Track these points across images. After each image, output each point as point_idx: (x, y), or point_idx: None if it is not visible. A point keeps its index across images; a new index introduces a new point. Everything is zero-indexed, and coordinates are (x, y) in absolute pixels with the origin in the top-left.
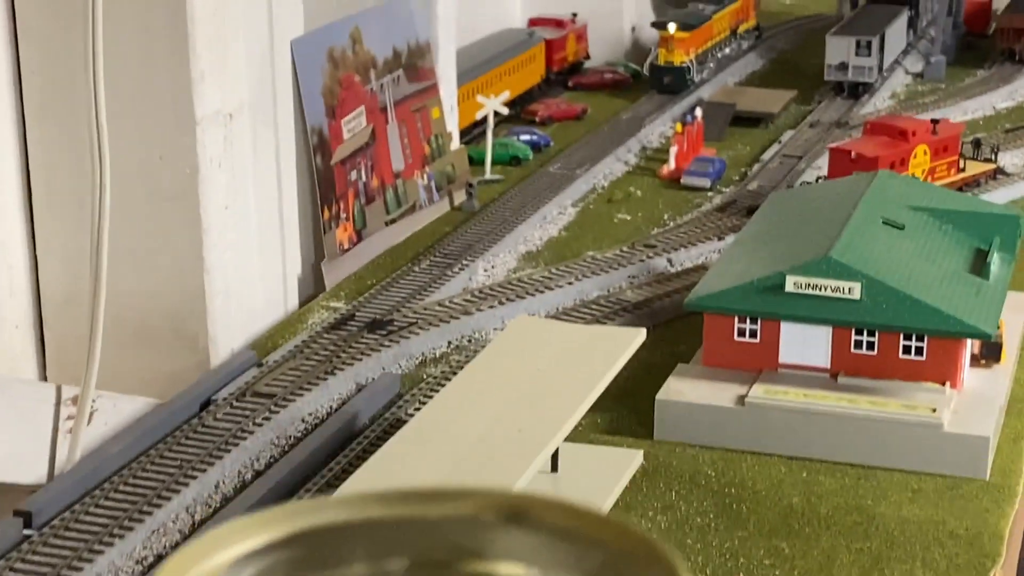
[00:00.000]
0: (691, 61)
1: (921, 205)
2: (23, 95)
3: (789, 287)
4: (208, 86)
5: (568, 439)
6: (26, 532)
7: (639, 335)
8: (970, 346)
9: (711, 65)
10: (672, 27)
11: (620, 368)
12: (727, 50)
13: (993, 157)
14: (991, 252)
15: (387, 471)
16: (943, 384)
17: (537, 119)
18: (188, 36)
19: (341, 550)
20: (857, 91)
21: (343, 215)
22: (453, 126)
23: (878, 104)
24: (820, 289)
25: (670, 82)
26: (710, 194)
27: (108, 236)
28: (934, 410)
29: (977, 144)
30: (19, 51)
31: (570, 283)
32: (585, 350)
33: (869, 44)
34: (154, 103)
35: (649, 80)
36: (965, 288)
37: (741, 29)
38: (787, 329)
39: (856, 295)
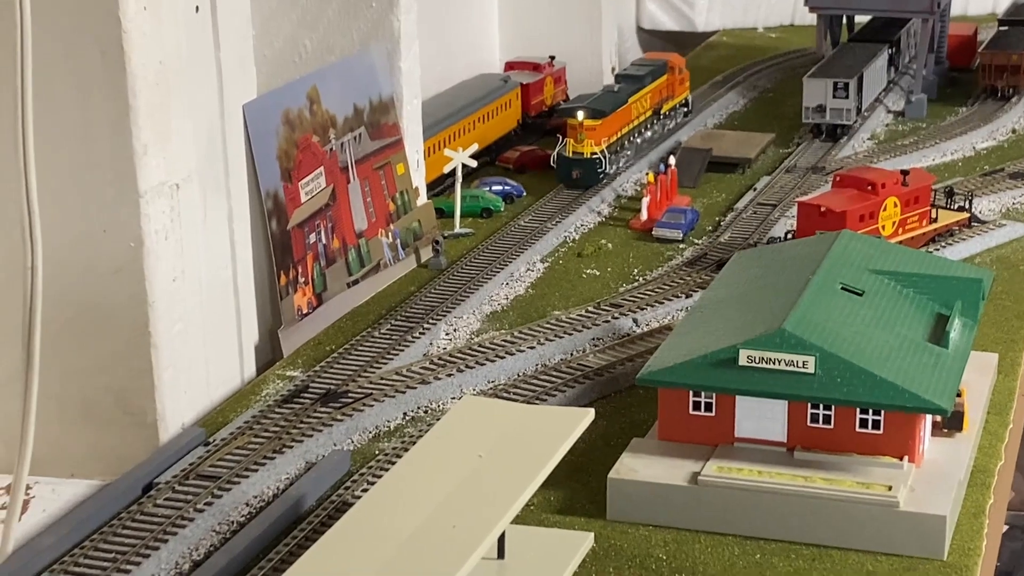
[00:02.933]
0: (602, 152)
1: (882, 268)
2: None
3: (742, 361)
4: (152, 158)
5: (518, 519)
6: None
7: (587, 416)
8: (930, 417)
9: (628, 152)
10: (580, 115)
11: (566, 451)
12: (648, 133)
13: (967, 205)
14: (951, 319)
15: (320, 570)
16: (901, 458)
17: (511, 167)
18: (129, 108)
19: None
20: (836, 133)
21: (302, 279)
22: (420, 181)
23: (856, 146)
24: (774, 363)
25: (579, 176)
26: (682, 246)
27: (45, 312)
28: (890, 488)
29: (950, 193)
30: None
31: (532, 347)
32: (532, 432)
33: (846, 86)
34: (96, 176)
35: (556, 173)
36: (923, 359)
37: (666, 108)
38: (742, 403)
39: (810, 369)
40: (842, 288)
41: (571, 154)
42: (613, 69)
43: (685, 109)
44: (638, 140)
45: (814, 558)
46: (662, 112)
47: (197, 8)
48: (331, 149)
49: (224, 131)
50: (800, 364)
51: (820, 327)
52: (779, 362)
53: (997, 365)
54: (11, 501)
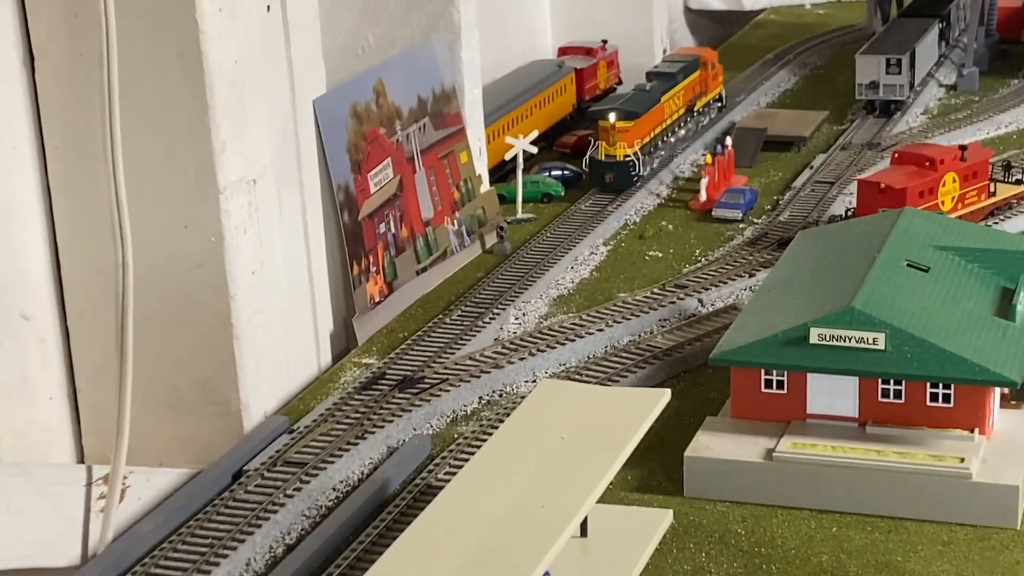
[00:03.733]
0: (635, 154)
1: (946, 244)
2: (47, 169)
3: (813, 339)
4: (230, 154)
5: (602, 500)
6: None
7: (663, 396)
8: (998, 390)
9: (662, 153)
10: (612, 117)
11: (644, 432)
12: (682, 132)
13: None
14: (1017, 292)
15: (414, 555)
16: (972, 431)
17: (568, 151)
18: (208, 107)
19: None
20: (889, 109)
21: (373, 268)
22: (482, 168)
23: (910, 121)
24: (844, 340)
25: (612, 179)
26: (742, 226)
27: (133, 307)
28: (962, 460)
29: (1007, 166)
30: (42, 126)
31: (600, 330)
32: (610, 414)
33: (899, 62)
34: (177, 174)
35: (589, 177)
36: (991, 332)
37: (699, 105)
38: (814, 380)
39: (881, 345)
40: (908, 265)
41: (603, 157)
42: (665, 51)
43: (719, 104)
44: (671, 139)
45: (890, 530)
46: (695, 109)
47: (268, 7)
48: (397, 140)
49: (296, 126)
50: (871, 341)
51: (889, 304)
52: (850, 339)
53: None
54: (110, 490)
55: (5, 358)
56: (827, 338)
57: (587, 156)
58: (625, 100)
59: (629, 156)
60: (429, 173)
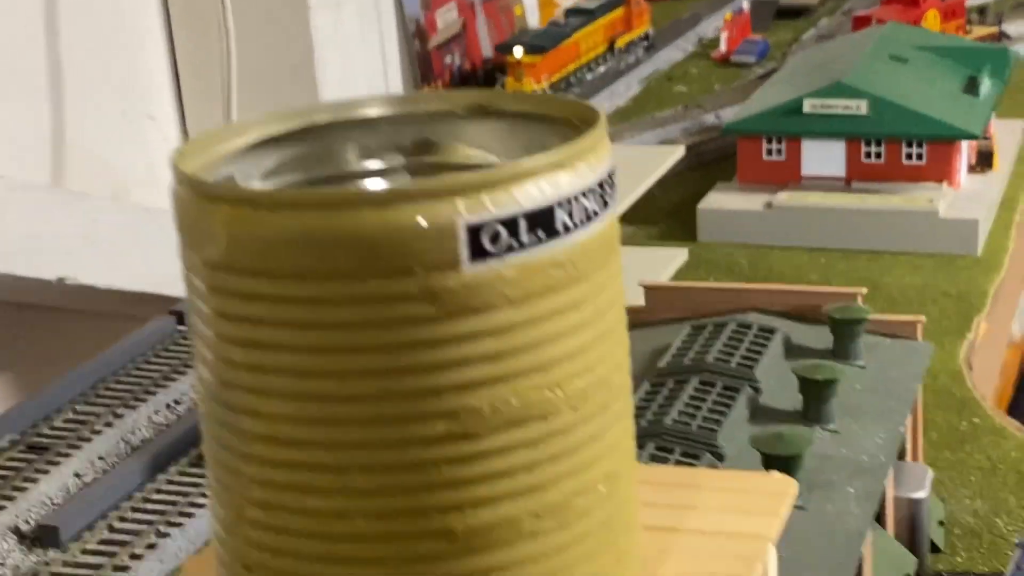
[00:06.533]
0: (544, 91)
1: (923, 45)
2: (168, 3)
3: (806, 108)
4: None
5: (627, 244)
6: (179, 328)
7: (679, 150)
8: (965, 154)
9: (576, 90)
10: (519, 51)
11: (670, 165)
12: (602, 68)
13: (998, 22)
14: (982, 75)
15: None
16: (940, 183)
17: None
18: None
19: (339, 144)
20: None
21: None
22: (534, 23)
23: None
24: (833, 108)
25: None
26: (756, 68)
27: (236, 105)
28: (931, 201)
29: (982, 11)
30: None
31: (633, 136)
32: (643, 160)
33: None
34: None
35: None
36: (959, 103)
37: (621, 42)
38: (807, 145)
39: (864, 111)
40: (890, 57)
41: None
42: None
43: (646, 43)
44: (588, 76)
45: (869, 259)
46: (616, 47)
47: None
48: None
49: None
50: (855, 107)
51: (872, 80)
52: (837, 107)
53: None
54: None
55: (137, 151)
56: (818, 107)
57: None
58: (534, 35)
59: (537, 93)
60: (488, 20)
